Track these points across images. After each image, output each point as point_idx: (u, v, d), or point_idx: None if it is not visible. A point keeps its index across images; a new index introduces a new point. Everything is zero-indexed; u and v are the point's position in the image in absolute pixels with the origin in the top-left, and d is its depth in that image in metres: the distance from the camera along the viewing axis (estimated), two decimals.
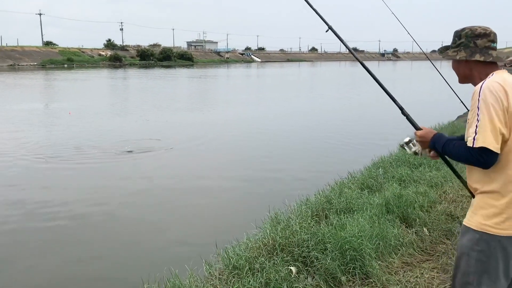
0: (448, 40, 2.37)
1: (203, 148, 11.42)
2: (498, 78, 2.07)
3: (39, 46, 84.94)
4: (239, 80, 45.80)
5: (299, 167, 9.47)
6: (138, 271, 4.66)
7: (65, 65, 72.05)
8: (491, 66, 2.18)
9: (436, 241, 4.35)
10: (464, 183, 2.35)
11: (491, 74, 2.13)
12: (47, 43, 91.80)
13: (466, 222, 2.18)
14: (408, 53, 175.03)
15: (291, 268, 3.58)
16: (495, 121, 1.98)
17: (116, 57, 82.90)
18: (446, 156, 2.29)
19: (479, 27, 2.23)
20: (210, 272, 3.78)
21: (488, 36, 2.20)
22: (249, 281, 3.39)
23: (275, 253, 3.85)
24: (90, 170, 9.26)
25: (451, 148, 2.16)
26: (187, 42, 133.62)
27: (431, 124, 11.70)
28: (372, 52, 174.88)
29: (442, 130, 10.75)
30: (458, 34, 2.27)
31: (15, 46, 77.97)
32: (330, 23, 2.89)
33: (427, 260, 3.98)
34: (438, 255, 4.05)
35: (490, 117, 1.98)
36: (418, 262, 3.94)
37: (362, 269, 3.58)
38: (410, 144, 2.42)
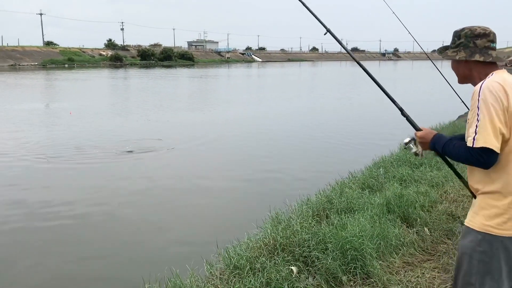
0: (449, 40, 2.37)
1: (204, 148, 11.43)
2: (497, 78, 2.07)
3: (40, 46, 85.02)
4: (240, 80, 45.81)
5: (300, 167, 9.47)
6: (139, 271, 4.66)
7: (66, 65, 72.11)
8: (491, 66, 2.17)
9: (437, 241, 4.35)
10: (465, 184, 2.35)
11: (491, 74, 2.12)
12: (48, 43, 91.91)
13: (467, 222, 2.17)
14: (409, 52, 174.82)
15: (292, 268, 3.58)
16: (495, 121, 1.97)
17: (116, 57, 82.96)
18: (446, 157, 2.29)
19: (479, 27, 2.22)
20: (211, 272, 3.78)
21: (487, 36, 2.19)
22: (250, 280, 3.39)
23: (276, 253, 3.85)
24: (91, 170, 9.26)
25: (451, 149, 2.15)
26: (187, 42, 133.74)
27: (432, 123, 11.70)
28: (373, 52, 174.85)
29: (443, 129, 10.75)
30: (457, 34, 2.26)
31: (16, 46, 78.06)
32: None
33: (428, 260, 3.97)
34: (439, 255, 4.05)
35: (490, 117, 1.98)
36: (419, 262, 3.93)
37: (363, 269, 3.57)
38: (410, 144, 2.42)
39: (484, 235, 2.08)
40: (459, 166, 4.34)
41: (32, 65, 69.66)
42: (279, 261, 3.64)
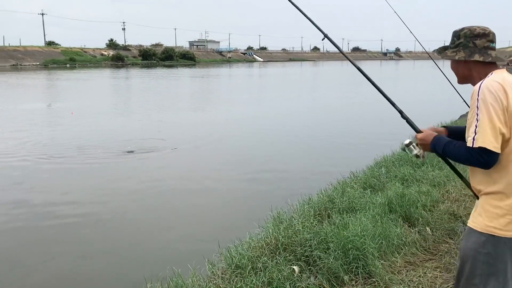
0: (450, 40, 2.36)
1: (206, 148, 11.43)
2: (497, 77, 2.05)
3: (41, 46, 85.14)
4: (241, 80, 45.82)
5: (302, 167, 9.48)
6: (141, 270, 4.67)
7: (67, 65, 72.22)
8: (491, 66, 2.16)
9: (439, 241, 4.35)
10: (467, 184, 2.33)
11: (490, 73, 2.11)
12: (50, 43, 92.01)
13: (470, 223, 2.16)
14: (410, 52, 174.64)
15: (294, 267, 3.58)
16: (494, 121, 1.96)
17: (118, 56, 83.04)
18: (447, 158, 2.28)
19: (478, 27, 2.21)
20: (213, 272, 3.78)
21: (487, 36, 2.18)
22: (252, 280, 3.39)
23: (277, 253, 3.85)
24: (93, 170, 9.28)
25: (451, 149, 2.14)
26: (189, 41, 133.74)
27: (434, 123, 11.66)
28: (374, 51, 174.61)
29: None
30: (457, 34, 2.25)
31: (18, 46, 78.18)
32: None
33: (430, 260, 3.97)
34: (441, 255, 4.04)
35: (489, 117, 1.97)
36: (421, 261, 3.93)
37: (365, 269, 3.57)
38: (411, 146, 2.41)
39: (488, 237, 2.06)
40: (460, 166, 4.33)
41: (33, 65, 69.78)
42: (281, 260, 3.64)
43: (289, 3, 3.13)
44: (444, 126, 2.51)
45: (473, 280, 2.11)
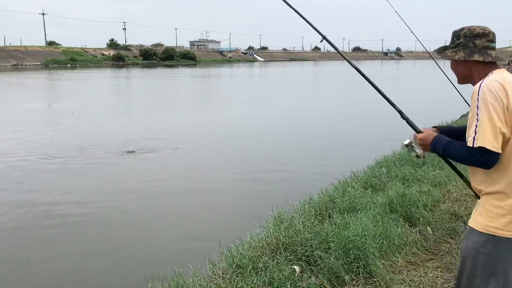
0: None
1: (207, 148, 11.44)
2: (497, 77, 2.05)
3: (42, 46, 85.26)
4: (242, 80, 45.82)
5: (302, 166, 9.47)
6: (141, 270, 4.68)
7: (68, 65, 72.29)
8: (491, 66, 2.15)
9: (440, 240, 4.34)
10: (468, 184, 2.33)
11: (490, 73, 2.10)
12: (50, 43, 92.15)
13: (471, 223, 2.15)
14: (411, 52, 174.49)
15: (295, 267, 3.58)
16: (495, 120, 1.95)
17: (119, 56, 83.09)
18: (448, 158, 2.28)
19: (478, 26, 2.20)
20: (213, 271, 3.78)
21: (487, 36, 2.17)
22: (253, 280, 3.39)
23: (278, 252, 3.85)
24: (94, 170, 9.28)
25: (451, 149, 2.14)
26: (189, 41, 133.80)
27: (435, 123, 11.64)
28: (375, 51, 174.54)
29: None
30: (456, 34, 2.25)
31: (18, 46, 78.28)
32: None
33: (431, 259, 3.97)
34: (442, 254, 4.04)
35: (489, 117, 1.96)
36: (422, 261, 3.93)
37: (366, 268, 3.57)
38: (411, 146, 2.41)
39: (488, 237, 2.06)
40: (461, 166, 4.33)
41: (34, 65, 69.85)
42: (281, 260, 3.64)
43: (288, 6, 3.13)
44: (435, 126, 2.51)
45: (474, 280, 2.11)
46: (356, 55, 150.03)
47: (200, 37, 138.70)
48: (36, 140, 12.18)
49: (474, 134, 1.99)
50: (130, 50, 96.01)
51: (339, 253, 3.65)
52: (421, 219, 4.65)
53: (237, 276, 3.56)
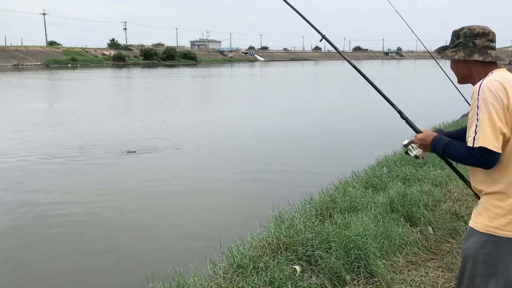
0: None
1: (208, 148, 11.44)
2: (497, 77, 2.04)
3: (43, 46, 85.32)
4: (242, 79, 45.82)
5: (303, 166, 9.47)
6: (142, 270, 4.68)
7: (69, 65, 72.34)
8: (490, 66, 2.15)
9: (440, 240, 4.34)
10: (469, 184, 2.32)
11: (490, 73, 2.10)
12: (51, 43, 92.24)
13: (471, 223, 2.15)
14: (412, 51, 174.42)
15: (296, 267, 3.58)
16: (495, 120, 1.95)
17: (119, 56, 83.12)
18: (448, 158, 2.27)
19: (478, 26, 2.20)
20: (214, 271, 3.78)
21: (487, 36, 2.17)
22: (254, 280, 3.39)
23: (279, 252, 3.85)
24: (94, 170, 9.28)
25: (451, 150, 2.13)
26: (190, 41, 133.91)
27: (436, 122, 11.66)
28: (376, 51, 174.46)
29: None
30: (456, 34, 2.24)
31: (19, 46, 78.33)
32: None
33: (432, 259, 3.96)
34: (443, 254, 4.04)
35: (490, 116, 1.95)
36: (422, 261, 3.93)
37: (367, 268, 3.57)
38: (410, 147, 2.40)
39: (488, 237, 2.05)
40: (461, 166, 4.32)
41: (35, 65, 69.90)
42: (282, 260, 3.64)
43: (288, 6, 3.13)
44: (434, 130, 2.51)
45: (474, 281, 2.11)
46: (357, 54, 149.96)
47: (201, 37, 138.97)
48: (36, 140, 12.18)
49: (474, 134, 1.98)
50: (131, 50, 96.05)
51: (340, 253, 3.65)
52: (422, 219, 4.65)
53: (238, 275, 3.56)
